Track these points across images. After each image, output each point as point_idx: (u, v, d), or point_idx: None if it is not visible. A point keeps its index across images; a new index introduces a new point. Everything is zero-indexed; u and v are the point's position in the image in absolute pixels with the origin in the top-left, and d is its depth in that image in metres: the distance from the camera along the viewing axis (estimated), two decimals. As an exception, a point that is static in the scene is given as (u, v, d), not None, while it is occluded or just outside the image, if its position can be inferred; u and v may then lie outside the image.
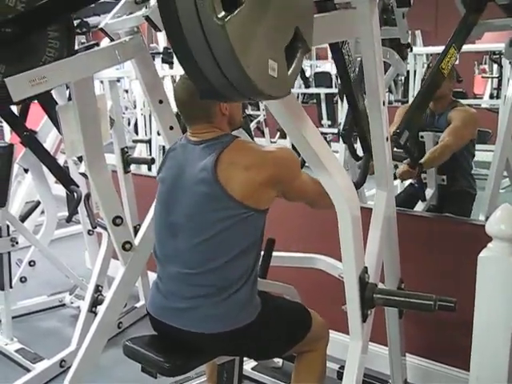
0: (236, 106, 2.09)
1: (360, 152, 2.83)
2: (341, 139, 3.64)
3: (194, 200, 1.96)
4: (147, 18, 2.12)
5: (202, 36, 1.08)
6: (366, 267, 1.85)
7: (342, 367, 2.83)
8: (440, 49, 7.45)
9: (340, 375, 2.91)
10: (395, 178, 3.31)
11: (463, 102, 3.95)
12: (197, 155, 1.98)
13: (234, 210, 1.92)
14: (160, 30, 2.16)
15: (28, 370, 3.31)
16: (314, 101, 8.89)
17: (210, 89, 1.18)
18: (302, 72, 9.24)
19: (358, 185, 2.58)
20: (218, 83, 1.16)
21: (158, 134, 5.11)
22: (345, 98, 2.58)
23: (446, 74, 2.84)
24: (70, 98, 3.48)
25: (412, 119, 2.80)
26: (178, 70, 5.43)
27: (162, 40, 6.19)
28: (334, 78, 8.37)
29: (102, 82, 4.60)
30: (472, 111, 3.59)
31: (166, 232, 2.06)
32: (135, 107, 9.03)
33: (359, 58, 4.08)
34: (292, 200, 2.14)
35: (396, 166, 3.49)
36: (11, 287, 3.66)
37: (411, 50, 6.94)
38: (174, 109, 2.40)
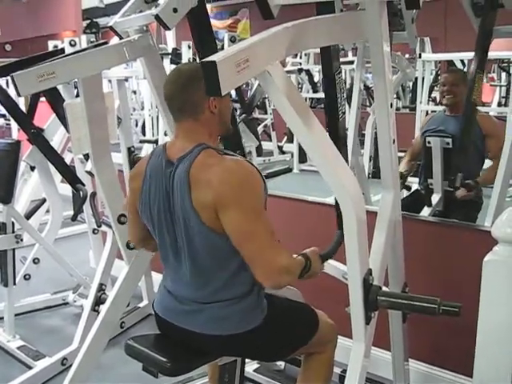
0: (225, 106, 2.00)
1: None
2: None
3: (184, 227, 1.90)
4: (157, 17, 2.11)
5: None
6: (370, 269, 1.84)
7: (344, 371, 2.81)
8: (449, 56, 7.44)
9: (342, 379, 2.89)
10: (449, 200, 3.34)
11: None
12: (176, 178, 1.88)
13: (208, 237, 1.87)
14: (169, 29, 2.15)
15: (30, 368, 3.31)
16: (322, 105, 8.89)
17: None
18: (311, 77, 9.25)
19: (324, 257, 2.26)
20: None
21: (165, 134, 5.11)
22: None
23: (477, 102, 2.95)
24: (77, 96, 3.51)
25: (460, 160, 3.09)
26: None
27: (170, 41, 6.20)
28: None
29: (110, 81, 4.61)
30: (495, 119, 3.71)
31: (170, 250, 2.01)
32: (143, 108, 9.06)
33: (368, 65, 4.11)
34: (232, 239, 1.83)
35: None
36: (15, 284, 3.67)
37: (420, 57, 6.98)
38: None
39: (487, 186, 3.41)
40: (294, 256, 2.00)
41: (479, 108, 3.35)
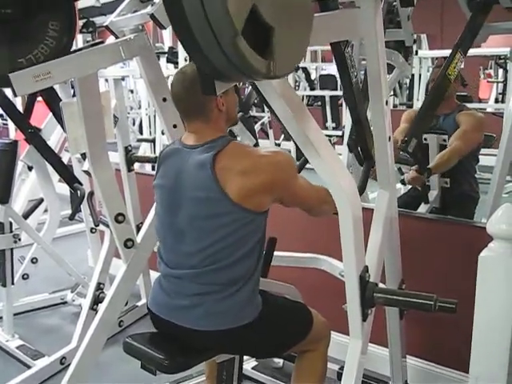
0: (232, 102, 2.06)
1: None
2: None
3: (196, 206, 1.95)
4: (152, 16, 2.12)
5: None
6: (366, 266, 1.85)
7: (342, 368, 2.82)
8: (445, 52, 7.48)
9: (340, 376, 2.90)
10: (404, 184, 3.32)
11: (468, 106, 3.95)
12: (193, 160, 1.96)
13: (234, 215, 1.91)
14: (165, 28, 2.16)
15: (28, 367, 3.32)
16: (319, 103, 8.90)
17: (210, 69, 1.25)
18: (307, 74, 9.27)
19: (359, 191, 2.53)
20: (218, 62, 1.22)
21: (162, 133, 5.13)
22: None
23: (452, 80, 2.87)
24: (74, 95, 3.51)
25: (419, 126, 2.87)
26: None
27: (167, 39, 6.20)
28: (339, 80, 8.36)
29: (106, 80, 4.61)
30: (480, 115, 3.59)
31: (171, 237, 2.05)
32: (140, 107, 9.06)
33: (364, 62, 4.11)
34: (289, 205, 2.11)
35: (400, 171, 3.50)
36: (13, 284, 3.67)
37: (416, 54, 7.00)
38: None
39: (441, 171, 3.39)
40: None
41: (476, 104, 3.36)
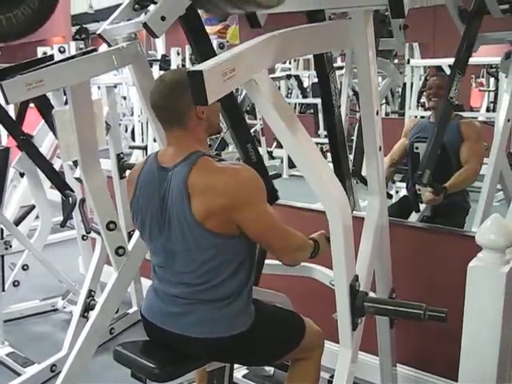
0: (213, 109, 2.00)
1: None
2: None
3: (179, 231, 1.92)
4: (145, 25, 2.12)
5: None
6: (356, 275, 1.86)
7: (333, 376, 2.82)
8: (438, 61, 7.48)
9: (330, 384, 2.91)
10: (422, 203, 3.34)
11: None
12: (172, 184, 1.91)
13: (210, 240, 1.89)
14: (158, 37, 2.16)
15: (18, 374, 3.30)
16: (312, 111, 8.92)
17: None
18: (300, 82, 9.29)
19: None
20: None
21: (154, 140, 5.12)
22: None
23: (455, 102, 2.94)
24: (67, 103, 3.51)
25: (431, 157, 3.00)
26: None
27: (160, 47, 6.22)
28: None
29: (99, 87, 4.62)
30: (478, 124, 3.66)
31: (163, 257, 2.02)
32: (132, 114, 9.07)
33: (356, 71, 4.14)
34: (254, 236, 1.94)
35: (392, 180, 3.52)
36: (4, 291, 3.66)
37: (408, 62, 7.03)
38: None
39: (456, 190, 3.40)
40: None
41: (468, 113, 3.39)
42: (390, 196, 3.70)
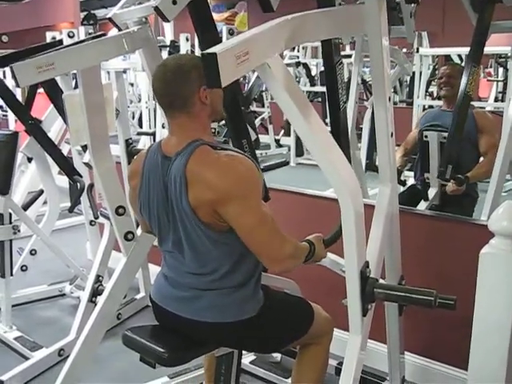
0: (217, 95, 1.96)
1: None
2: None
3: (179, 219, 1.91)
4: (156, 9, 2.11)
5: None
6: (367, 262, 1.85)
7: (341, 363, 2.83)
8: (447, 50, 7.44)
9: (338, 371, 2.91)
10: (445, 194, 3.36)
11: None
12: (172, 172, 1.89)
13: (204, 232, 1.89)
14: (169, 21, 2.14)
15: (26, 358, 3.32)
16: (319, 99, 8.89)
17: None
18: (308, 70, 9.25)
19: (327, 243, 2.27)
20: None
21: (163, 126, 5.12)
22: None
23: (472, 96, 3.01)
24: (75, 87, 3.50)
25: (451, 152, 3.04)
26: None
27: (168, 33, 6.18)
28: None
29: (108, 72, 4.61)
30: (491, 115, 3.71)
31: (171, 242, 2.01)
32: (140, 101, 9.06)
33: (366, 59, 4.12)
34: (238, 231, 1.86)
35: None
36: (12, 275, 3.67)
37: (417, 51, 6.99)
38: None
39: (477, 181, 3.45)
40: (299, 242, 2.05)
41: (476, 103, 3.38)
42: (403, 183, 3.71)
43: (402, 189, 4.02)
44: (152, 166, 1.98)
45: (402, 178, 3.70)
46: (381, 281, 1.98)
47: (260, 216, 1.85)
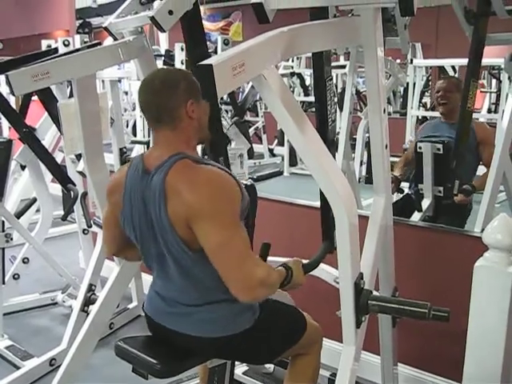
0: (203, 110, 1.93)
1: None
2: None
3: (159, 234, 1.87)
4: (152, 19, 2.11)
5: None
6: (361, 273, 1.85)
7: (334, 374, 2.82)
8: (440, 62, 7.46)
9: (332, 382, 2.91)
10: (439, 205, 3.38)
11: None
12: (152, 187, 1.84)
13: (185, 249, 1.84)
14: (165, 31, 2.15)
15: (17, 368, 3.30)
16: (313, 109, 8.91)
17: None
18: (302, 80, 9.26)
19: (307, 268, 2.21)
20: None
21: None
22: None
23: (472, 109, 3.05)
24: (71, 96, 3.50)
25: (457, 167, 3.13)
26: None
27: (163, 42, 6.19)
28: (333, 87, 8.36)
29: (103, 81, 4.61)
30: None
31: (156, 263, 1.99)
32: (134, 109, 9.04)
33: (360, 70, 4.13)
34: (206, 251, 1.77)
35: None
36: (4, 283, 3.66)
37: (411, 63, 7.01)
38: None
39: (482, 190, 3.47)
40: (276, 267, 1.99)
41: (470, 115, 3.39)
42: (403, 191, 3.73)
43: (395, 198, 4.04)
44: (134, 180, 1.93)
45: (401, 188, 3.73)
46: (375, 292, 1.98)
47: (229, 236, 1.74)
